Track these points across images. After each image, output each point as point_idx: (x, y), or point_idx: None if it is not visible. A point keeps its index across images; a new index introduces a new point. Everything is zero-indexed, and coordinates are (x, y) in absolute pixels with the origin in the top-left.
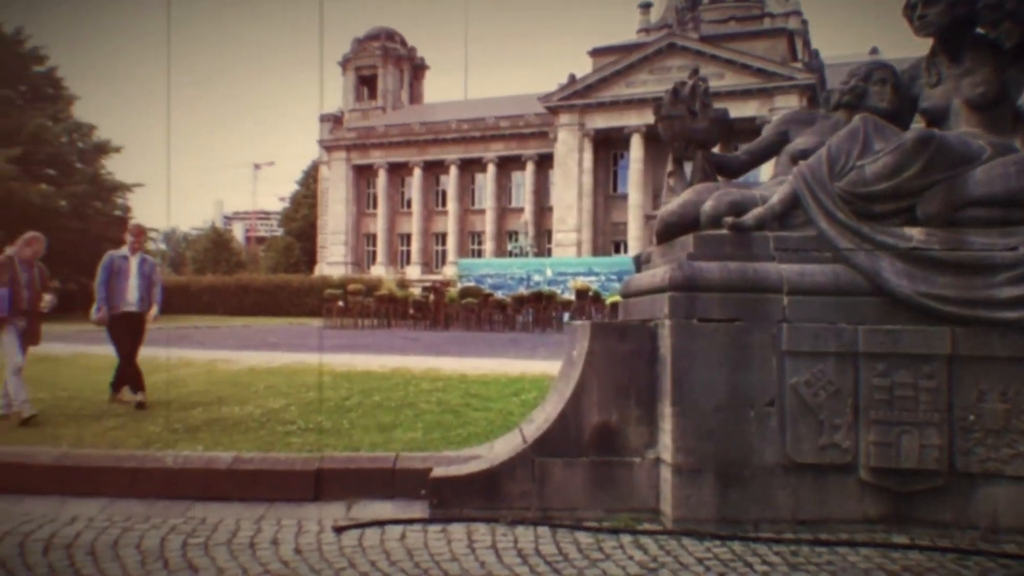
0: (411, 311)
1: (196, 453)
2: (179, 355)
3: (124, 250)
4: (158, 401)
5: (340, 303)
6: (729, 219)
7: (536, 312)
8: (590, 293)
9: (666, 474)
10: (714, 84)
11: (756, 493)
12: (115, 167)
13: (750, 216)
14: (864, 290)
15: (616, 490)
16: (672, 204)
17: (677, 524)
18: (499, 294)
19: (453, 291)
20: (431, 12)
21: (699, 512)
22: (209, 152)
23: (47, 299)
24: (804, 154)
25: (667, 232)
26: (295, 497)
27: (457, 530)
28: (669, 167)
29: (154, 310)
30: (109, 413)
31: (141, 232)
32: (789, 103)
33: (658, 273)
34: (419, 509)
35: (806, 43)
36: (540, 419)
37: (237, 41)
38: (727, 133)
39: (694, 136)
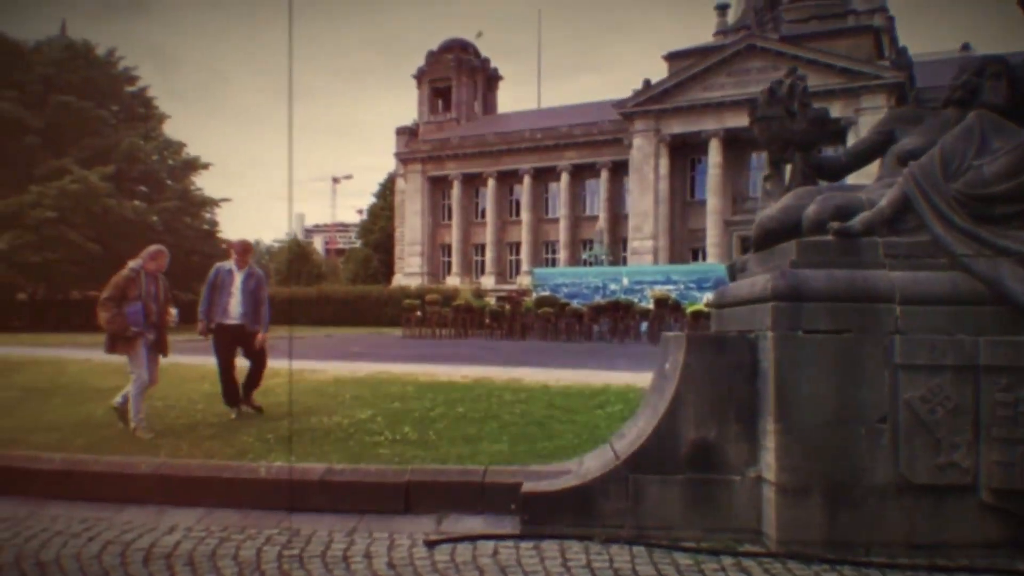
0: (487, 321)
1: (288, 464)
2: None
3: (230, 263)
4: (248, 411)
5: (418, 313)
6: (835, 224)
7: (613, 322)
8: (669, 302)
9: (769, 493)
10: None
11: (867, 515)
12: (201, 182)
13: (857, 221)
14: (985, 299)
15: (714, 509)
16: (771, 209)
17: (781, 546)
18: (575, 303)
19: (529, 301)
20: (504, 22)
21: (805, 534)
22: (294, 165)
23: (173, 312)
24: (913, 154)
25: (766, 238)
26: (385, 509)
27: (550, 547)
28: (765, 171)
29: (261, 330)
30: (203, 423)
31: (247, 249)
32: (875, 103)
33: (758, 282)
34: (509, 524)
35: (893, 40)
36: (633, 434)
37: (314, 58)
38: (827, 134)
39: (792, 137)
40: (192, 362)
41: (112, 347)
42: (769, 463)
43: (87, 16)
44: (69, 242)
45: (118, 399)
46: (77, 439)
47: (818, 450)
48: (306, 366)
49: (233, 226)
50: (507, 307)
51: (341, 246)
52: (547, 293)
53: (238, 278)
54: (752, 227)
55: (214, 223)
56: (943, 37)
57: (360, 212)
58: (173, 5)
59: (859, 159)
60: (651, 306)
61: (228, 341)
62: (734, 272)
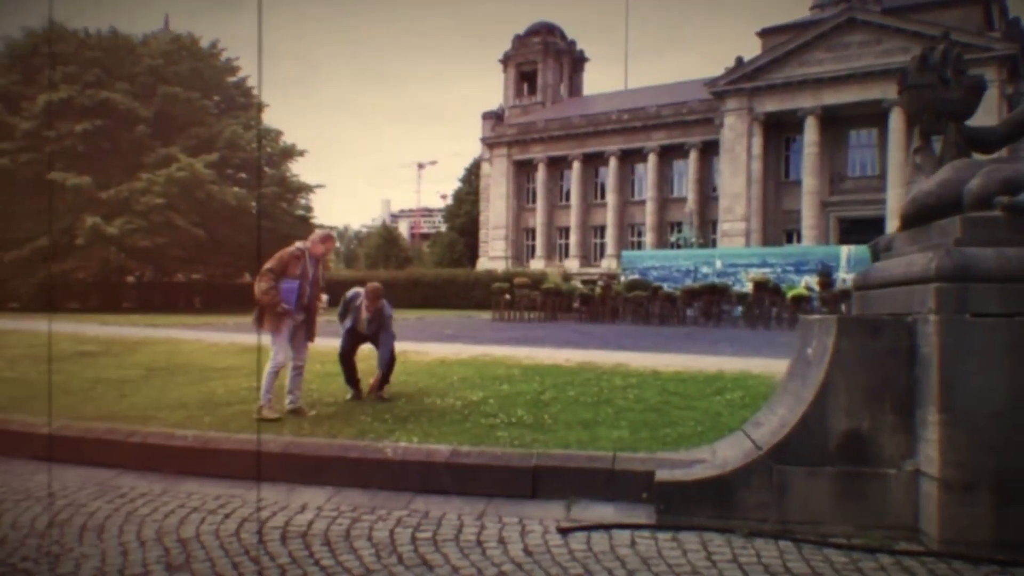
0: (576, 304)
1: (414, 445)
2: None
3: (361, 297)
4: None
5: (507, 296)
6: (1004, 199)
7: (707, 306)
8: (769, 286)
9: (930, 489)
10: (900, 59)
11: None
12: (296, 169)
13: None
14: None
15: (867, 504)
16: (927, 183)
17: (944, 545)
18: (666, 287)
19: (619, 284)
20: (590, 3)
21: (972, 533)
22: (377, 153)
23: (324, 298)
24: None
25: (920, 215)
26: (513, 493)
27: (690, 540)
28: (915, 143)
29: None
30: (319, 403)
31: (376, 295)
32: (988, 77)
33: (916, 261)
34: (642, 513)
35: (1003, 11)
36: (773, 423)
37: (400, 44)
38: (979, 103)
39: (946, 107)
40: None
41: (260, 321)
42: (930, 456)
43: (187, 12)
44: (176, 227)
45: (288, 400)
46: (205, 416)
47: (987, 443)
48: (408, 347)
49: (324, 212)
50: (597, 290)
51: (425, 230)
52: (636, 276)
53: (364, 318)
54: (906, 203)
55: (309, 208)
56: None
57: (444, 197)
58: None
59: (1019, 129)
60: (747, 290)
61: (356, 338)
62: (877, 251)
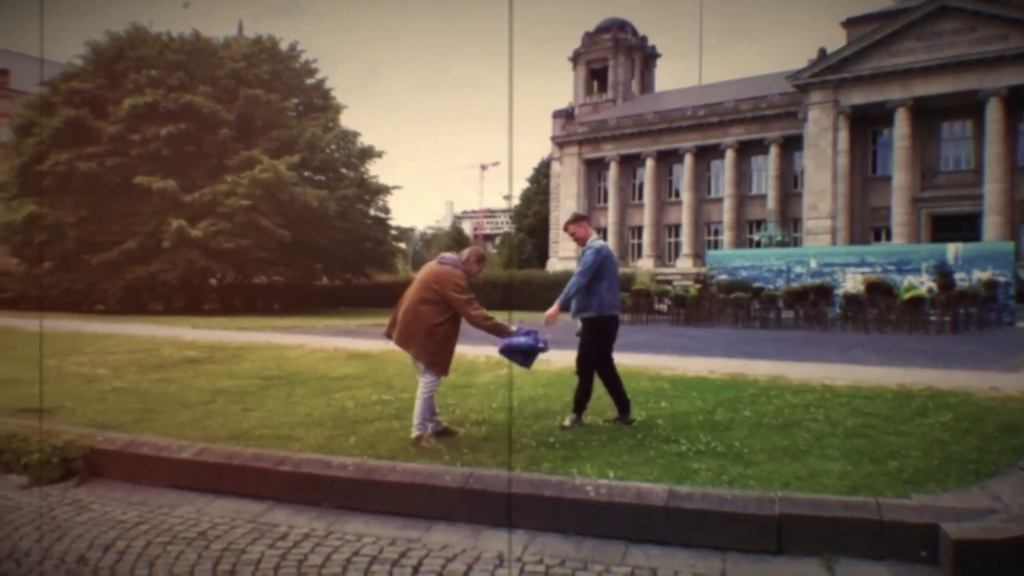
0: (665, 306)
1: (620, 483)
2: (478, 352)
3: None
4: (504, 407)
5: None
6: None
7: (807, 308)
8: (883, 287)
9: None
10: (996, 47)
11: None
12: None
13: None
14: None
15: None
16: None
17: None
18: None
19: (714, 285)
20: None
21: None
22: (438, 155)
23: None
24: None
25: None
26: (751, 547)
27: None
28: None
29: None
30: (465, 420)
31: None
32: None
33: None
34: None
35: None
36: None
37: (462, 45)
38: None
39: None
40: None
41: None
42: None
43: (251, 19)
44: (260, 228)
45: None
46: (348, 437)
47: None
48: None
49: (393, 214)
50: (692, 291)
51: (488, 231)
52: (724, 277)
53: None
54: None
55: (387, 210)
56: None
57: (507, 198)
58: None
59: None
60: (851, 291)
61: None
62: None
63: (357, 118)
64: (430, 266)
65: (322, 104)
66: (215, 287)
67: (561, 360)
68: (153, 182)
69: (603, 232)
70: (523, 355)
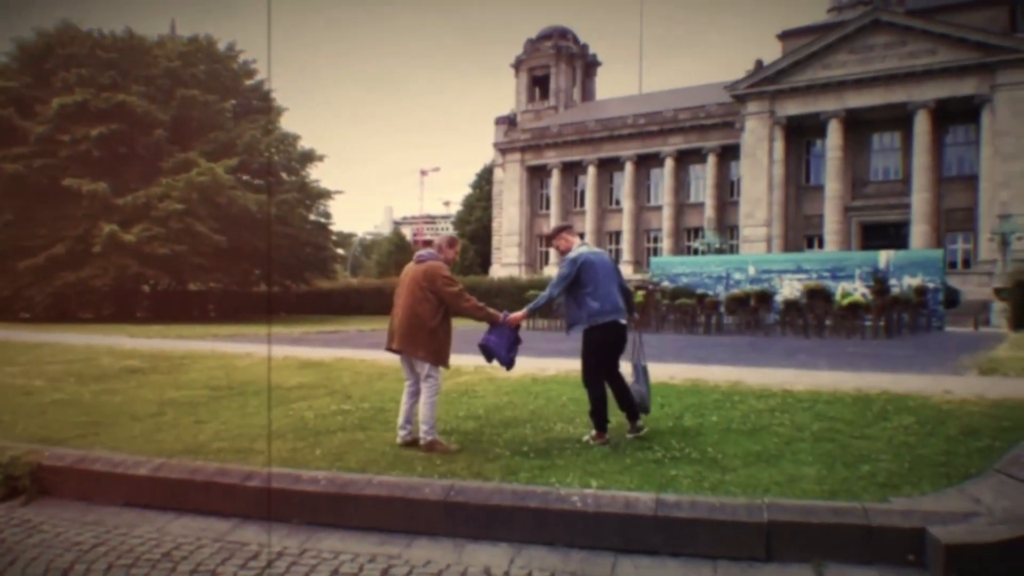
0: None
1: (607, 492)
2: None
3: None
4: (471, 416)
5: None
6: None
7: (749, 313)
8: (823, 293)
9: None
10: (925, 61)
11: None
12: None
13: None
14: None
15: None
16: None
17: None
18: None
19: (659, 292)
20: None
21: None
22: (377, 160)
23: None
24: None
25: None
26: (741, 555)
27: None
28: None
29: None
30: (453, 431)
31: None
32: (1014, 79)
33: None
34: None
35: None
36: None
37: (403, 51)
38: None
39: None
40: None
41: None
42: None
43: (185, 17)
44: (196, 233)
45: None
46: (313, 449)
47: None
48: (481, 362)
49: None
50: (639, 297)
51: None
52: (667, 283)
53: None
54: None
55: (328, 215)
56: None
57: (447, 204)
58: (262, 7)
59: None
60: (791, 297)
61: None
62: None
63: (296, 121)
64: (411, 268)
65: (261, 106)
66: (148, 294)
67: (521, 367)
68: (83, 185)
69: (544, 239)
70: (507, 350)
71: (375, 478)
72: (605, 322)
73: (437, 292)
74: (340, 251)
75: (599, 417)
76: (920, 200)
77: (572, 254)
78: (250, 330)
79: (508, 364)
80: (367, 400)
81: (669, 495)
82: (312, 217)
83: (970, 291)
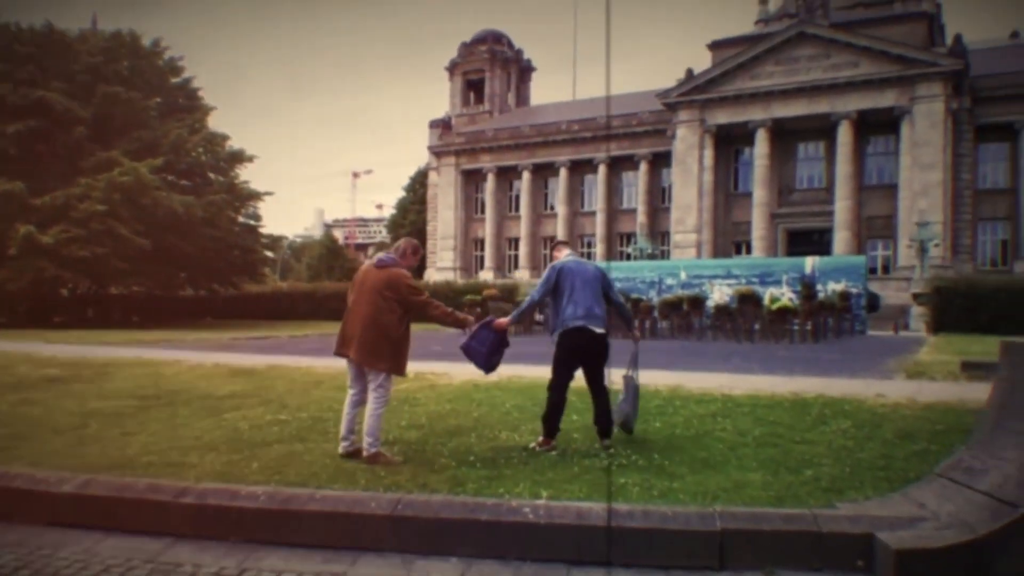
0: (544, 316)
1: (559, 503)
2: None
3: None
4: (413, 425)
5: (478, 309)
6: None
7: (684, 318)
8: (753, 298)
9: None
10: (847, 74)
11: None
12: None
13: None
14: None
15: None
16: None
17: None
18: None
19: None
20: (536, 10)
21: None
22: (308, 161)
23: None
24: None
25: None
26: (695, 565)
27: None
28: None
29: None
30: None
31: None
32: (932, 91)
33: None
34: None
35: (940, 27)
36: (1009, 471)
37: (333, 52)
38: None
39: None
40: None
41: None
42: None
43: (107, 12)
44: (118, 236)
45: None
46: (250, 463)
47: None
48: (422, 368)
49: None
50: None
51: (360, 241)
52: None
53: None
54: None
55: (257, 217)
56: (987, 24)
57: (380, 207)
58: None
59: None
60: (721, 302)
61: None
62: None
63: (224, 121)
64: (371, 272)
65: (188, 104)
66: (66, 298)
67: (463, 374)
68: None
69: (479, 243)
70: (487, 355)
71: (318, 493)
72: (572, 327)
73: (404, 301)
74: (270, 254)
75: (549, 423)
76: (842, 208)
77: (556, 262)
78: (176, 336)
79: (487, 369)
80: (304, 409)
81: (621, 505)
82: (241, 219)
83: (890, 296)
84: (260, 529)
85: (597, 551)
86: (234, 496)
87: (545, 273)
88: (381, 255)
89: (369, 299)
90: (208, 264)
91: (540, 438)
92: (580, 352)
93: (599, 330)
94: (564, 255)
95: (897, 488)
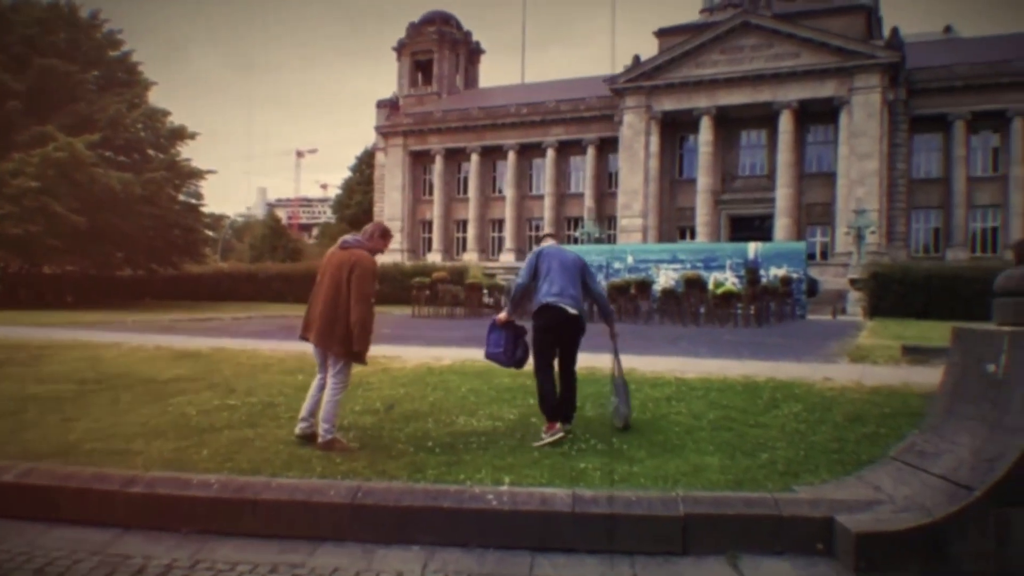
0: (494, 299)
1: (523, 489)
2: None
3: None
4: (368, 410)
5: (427, 292)
6: None
7: (631, 301)
8: (699, 283)
9: None
10: (789, 64)
11: None
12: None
13: None
14: None
15: None
16: None
17: None
18: None
19: None
20: None
21: None
22: (249, 139)
23: None
24: None
25: None
26: (658, 550)
27: None
28: None
29: None
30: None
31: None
32: (869, 83)
33: None
34: (825, 570)
35: (877, 20)
36: (962, 455)
37: (277, 29)
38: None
39: None
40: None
41: (362, 353)
42: None
43: None
44: (52, 213)
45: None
46: (201, 449)
47: None
48: (372, 351)
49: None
50: None
51: (304, 221)
52: None
53: None
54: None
55: (199, 195)
56: (921, 18)
57: (324, 187)
58: None
59: None
60: (662, 286)
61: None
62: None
63: (165, 96)
64: (335, 255)
65: (127, 79)
66: None
67: (414, 356)
68: None
69: (427, 225)
70: (511, 353)
71: (274, 481)
72: (545, 303)
73: (357, 283)
74: (211, 234)
75: (544, 406)
76: (783, 195)
77: (537, 248)
78: (115, 317)
79: (516, 365)
80: (253, 394)
81: (585, 491)
82: (181, 197)
83: (828, 281)
84: (214, 519)
85: (562, 537)
86: (185, 485)
87: (527, 258)
88: (347, 237)
89: (329, 282)
90: (147, 243)
91: (545, 425)
92: (553, 330)
93: (572, 310)
94: (547, 244)
95: (852, 471)
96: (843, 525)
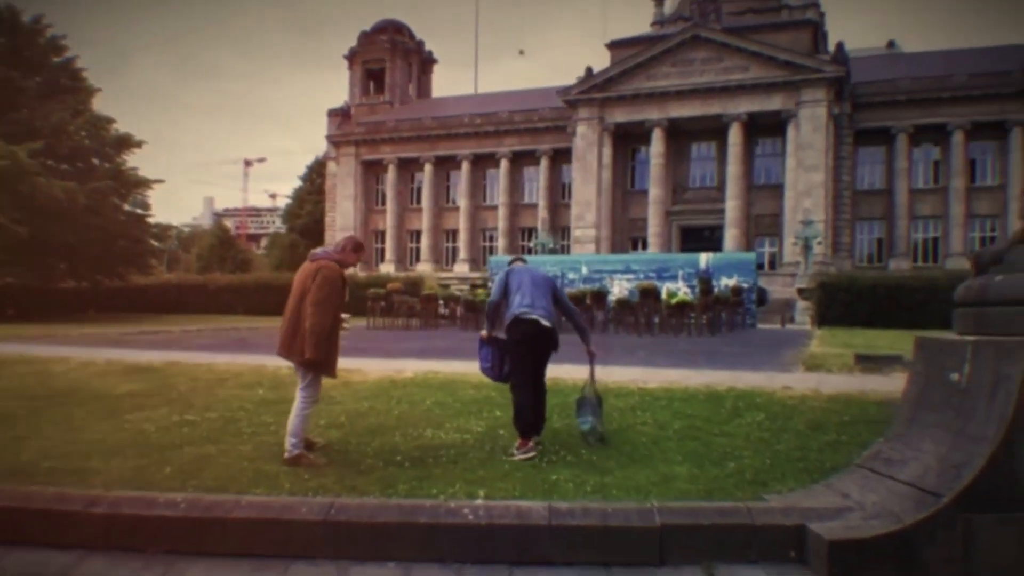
0: (460, 311)
1: (500, 503)
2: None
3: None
4: (333, 424)
5: (382, 303)
6: None
7: (582, 311)
8: (654, 293)
9: None
10: (738, 77)
11: None
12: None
13: None
14: None
15: None
16: None
17: None
18: None
19: None
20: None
21: None
22: (196, 148)
23: (347, 317)
24: None
25: None
26: (635, 561)
27: None
28: None
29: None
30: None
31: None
32: (815, 96)
33: None
34: None
35: (823, 35)
36: (928, 462)
37: (224, 36)
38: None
39: None
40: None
41: (319, 363)
42: None
43: None
44: None
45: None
46: (163, 467)
47: None
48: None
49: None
50: (481, 295)
51: (253, 231)
52: None
53: None
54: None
55: (146, 205)
56: (865, 34)
57: (273, 197)
58: None
59: None
60: (617, 296)
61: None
62: (984, 264)
63: (110, 104)
64: (305, 267)
65: (70, 85)
66: None
67: (377, 370)
68: None
69: (380, 235)
70: (501, 368)
71: (243, 498)
72: (517, 314)
73: (315, 290)
74: (157, 244)
75: (519, 423)
76: (732, 206)
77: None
78: (59, 330)
79: (505, 380)
80: (212, 409)
81: (561, 503)
82: (127, 207)
83: (776, 291)
84: (181, 539)
85: (539, 550)
86: (151, 504)
87: (497, 277)
88: (316, 249)
89: (296, 292)
90: (91, 254)
91: (517, 442)
92: (527, 342)
93: (545, 322)
94: (516, 265)
95: (818, 479)
96: (816, 533)
